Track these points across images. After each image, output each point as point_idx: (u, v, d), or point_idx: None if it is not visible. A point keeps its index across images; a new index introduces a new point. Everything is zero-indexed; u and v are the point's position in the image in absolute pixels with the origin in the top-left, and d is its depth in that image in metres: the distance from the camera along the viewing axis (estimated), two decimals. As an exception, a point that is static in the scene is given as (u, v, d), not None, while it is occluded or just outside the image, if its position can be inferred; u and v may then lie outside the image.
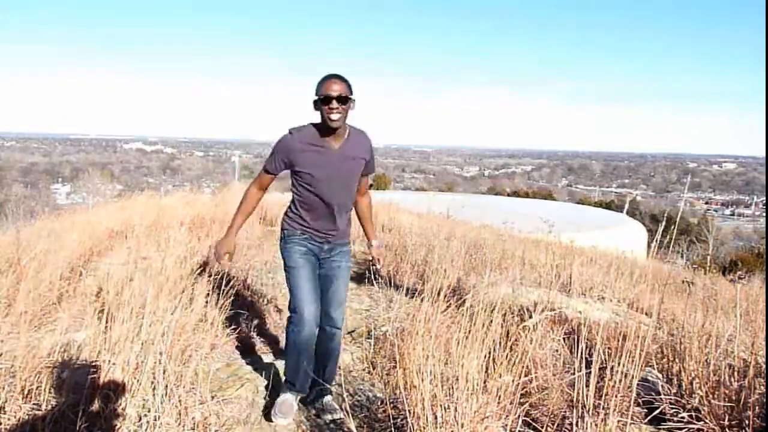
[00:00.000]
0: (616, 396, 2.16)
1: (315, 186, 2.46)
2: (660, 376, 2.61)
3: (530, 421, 2.33)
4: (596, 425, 2.10)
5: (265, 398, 2.77)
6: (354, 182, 2.55)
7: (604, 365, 2.37)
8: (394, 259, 5.50)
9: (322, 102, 2.31)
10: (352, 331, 3.72)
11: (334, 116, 2.31)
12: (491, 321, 2.52)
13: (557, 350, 2.96)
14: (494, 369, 2.32)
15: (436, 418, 2.07)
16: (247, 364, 3.20)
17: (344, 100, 2.32)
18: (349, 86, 2.35)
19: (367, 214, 2.79)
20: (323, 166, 2.42)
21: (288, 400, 2.54)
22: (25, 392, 2.33)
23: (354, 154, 2.48)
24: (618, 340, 2.69)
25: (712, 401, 2.24)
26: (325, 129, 2.38)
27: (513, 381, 2.24)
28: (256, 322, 3.74)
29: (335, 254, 2.61)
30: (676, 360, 2.59)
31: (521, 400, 2.28)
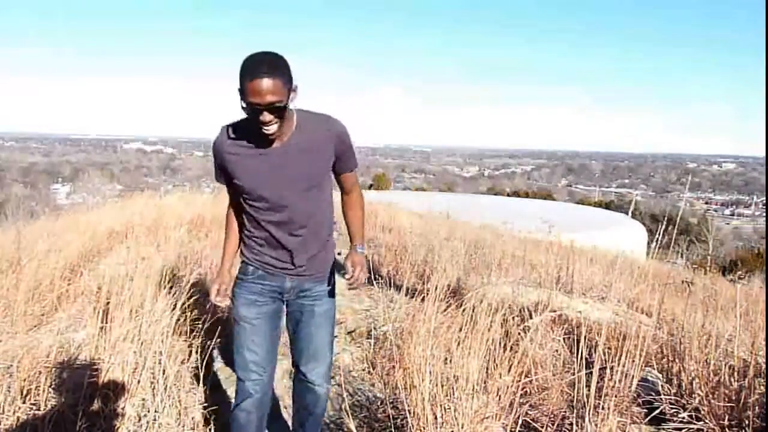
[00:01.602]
0: (616, 396, 2.16)
1: (255, 202, 1.82)
2: (660, 376, 2.61)
3: (530, 421, 2.33)
4: (596, 425, 2.10)
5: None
6: (319, 187, 1.85)
7: (604, 365, 2.37)
8: (394, 259, 5.50)
9: (248, 112, 1.65)
10: (352, 331, 3.72)
11: (270, 128, 1.67)
12: (491, 321, 2.52)
13: (557, 350, 2.96)
14: (494, 369, 2.32)
15: (436, 418, 2.07)
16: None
17: (280, 108, 1.63)
18: (284, 76, 1.62)
19: (353, 214, 2.03)
20: (261, 173, 1.77)
21: None
22: (25, 392, 2.33)
23: (308, 145, 1.78)
24: (618, 340, 2.69)
25: (712, 401, 2.24)
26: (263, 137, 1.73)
27: (513, 381, 2.24)
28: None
29: (308, 293, 1.95)
30: (676, 360, 2.59)
31: (521, 400, 2.28)
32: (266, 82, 1.58)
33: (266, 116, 1.63)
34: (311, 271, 1.94)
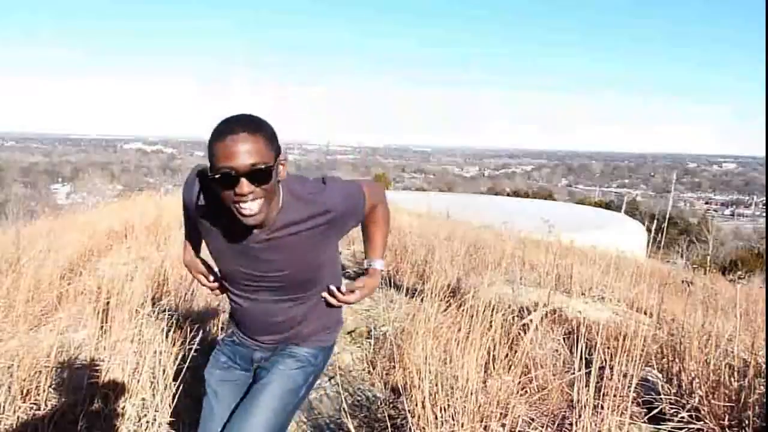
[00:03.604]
0: (615, 396, 2.16)
1: (225, 279, 1.52)
2: (660, 375, 2.61)
3: (530, 421, 2.33)
4: (596, 425, 2.10)
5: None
6: (314, 275, 1.48)
7: (604, 365, 2.37)
8: (394, 259, 5.50)
9: (221, 183, 1.23)
10: (352, 331, 3.72)
11: (249, 207, 1.25)
12: (491, 321, 2.52)
13: (557, 350, 2.96)
14: (494, 369, 2.32)
15: (436, 418, 2.07)
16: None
17: (263, 174, 1.23)
18: (268, 137, 1.26)
19: (374, 229, 1.64)
20: (238, 255, 1.41)
21: None
22: (25, 392, 2.33)
23: (296, 229, 1.37)
24: (618, 340, 2.69)
25: (712, 401, 2.24)
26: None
27: (513, 381, 2.24)
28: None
29: (282, 353, 1.56)
30: (676, 360, 2.59)
31: (521, 400, 2.28)
32: (243, 138, 1.20)
33: (244, 186, 1.21)
34: (287, 341, 1.56)
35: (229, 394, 1.56)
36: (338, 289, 1.54)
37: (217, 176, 1.22)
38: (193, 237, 1.61)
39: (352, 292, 1.56)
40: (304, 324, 1.54)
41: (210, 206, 1.38)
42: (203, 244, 1.58)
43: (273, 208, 1.33)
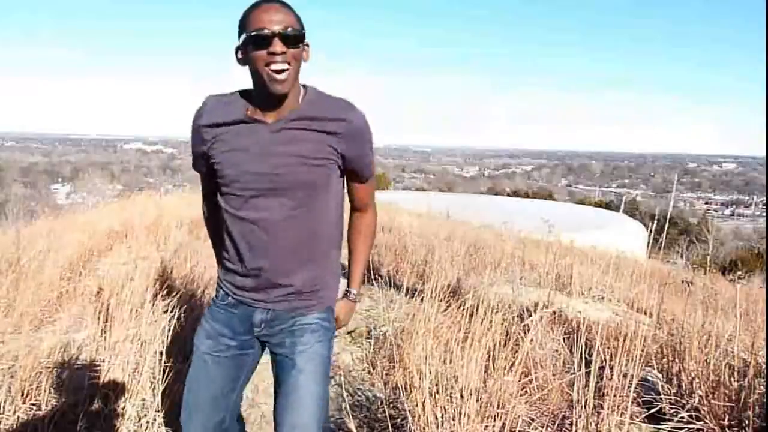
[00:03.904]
0: (615, 396, 2.16)
1: (238, 194, 1.40)
2: (660, 376, 2.61)
3: (530, 421, 2.33)
4: (596, 425, 2.10)
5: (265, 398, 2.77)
6: (315, 186, 1.41)
7: (604, 365, 2.38)
8: (394, 259, 5.51)
9: (254, 44, 1.29)
10: (352, 331, 3.72)
11: (280, 70, 1.30)
12: (491, 321, 2.52)
13: (557, 350, 2.96)
14: (494, 369, 2.32)
15: (436, 418, 2.07)
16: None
17: (294, 38, 1.31)
18: (297, 17, 1.34)
19: (357, 243, 1.59)
20: (251, 152, 1.37)
21: None
22: (25, 392, 2.33)
23: (315, 128, 1.37)
24: (618, 340, 2.69)
25: (712, 401, 2.24)
26: (261, 98, 1.37)
27: (513, 381, 2.25)
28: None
29: (288, 328, 1.47)
30: (676, 360, 2.59)
31: (521, 400, 2.28)
32: (277, 6, 1.31)
33: (277, 45, 1.28)
34: (294, 301, 1.47)
35: (218, 366, 1.48)
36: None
37: (252, 34, 1.29)
38: (210, 198, 1.54)
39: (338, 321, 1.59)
40: (312, 253, 1.45)
41: (228, 108, 1.40)
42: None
43: (293, 96, 1.36)
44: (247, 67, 1.36)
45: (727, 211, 76.68)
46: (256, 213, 1.40)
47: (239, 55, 1.36)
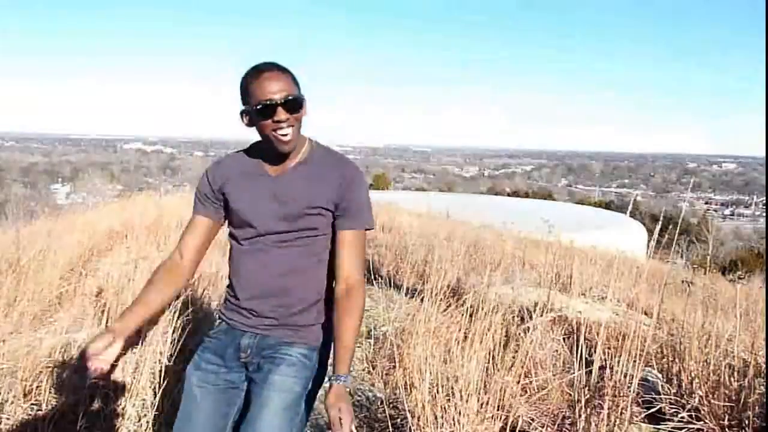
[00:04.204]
0: (616, 396, 2.16)
1: (242, 226, 1.54)
2: (660, 376, 2.61)
3: (530, 421, 2.33)
4: (596, 425, 2.10)
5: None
6: (319, 223, 1.51)
7: (604, 365, 2.38)
8: (394, 259, 5.51)
9: (259, 114, 1.43)
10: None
11: (285, 134, 1.45)
12: (491, 321, 2.52)
13: (557, 350, 2.96)
14: (494, 369, 2.32)
15: (436, 418, 2.07)
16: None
17: (295, 104, 1.45)
18: (294, 79, 1.48)
19: (344, 322, 1.46)
20: (252, 194, 1.52)
21: None
22: (26, 392, 2.34)
23: (315, 176, 1.51)
24: (618, 340, 2.69)
25: (712, 401, 2.24)
26: (269, 153, 1.52)
27: (513, 381, 2.25)
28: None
29: (273, 357, 1.49)
30: (676, 360, 2.59)
31: (521, 400, 2.28)
32: (277, 74, 1.44)
33: (281, 113, 1.42)
34: (278, 329, 1.51)
35: (206, 396, 1.51)
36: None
37: (258, 107, 1.42)
38: (201, 208, 1.58)
39: (340, 420, 1.33)
40: (300, 291, 1.52)
41: (233, 164, 1.57)
42: (209, 235, 1.60)
43: (295, 151, 1.52)
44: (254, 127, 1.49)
45: (727, 211, 76.70)
46: (256, 246, 1.52)
47: (245, 120, 1.49)
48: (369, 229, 1.56)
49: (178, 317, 2.78)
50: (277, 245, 1.50)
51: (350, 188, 1.52)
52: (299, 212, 1.49)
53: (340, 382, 1.38)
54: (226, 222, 1.60)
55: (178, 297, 2.61)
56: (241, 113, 1.49)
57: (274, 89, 1.42)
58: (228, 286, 1.60)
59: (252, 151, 1.58)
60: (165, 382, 2.32)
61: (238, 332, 1.54)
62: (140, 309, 1.53)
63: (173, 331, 2.55)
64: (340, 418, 1.32)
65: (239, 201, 1.53)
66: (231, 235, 1.58)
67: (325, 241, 1.54)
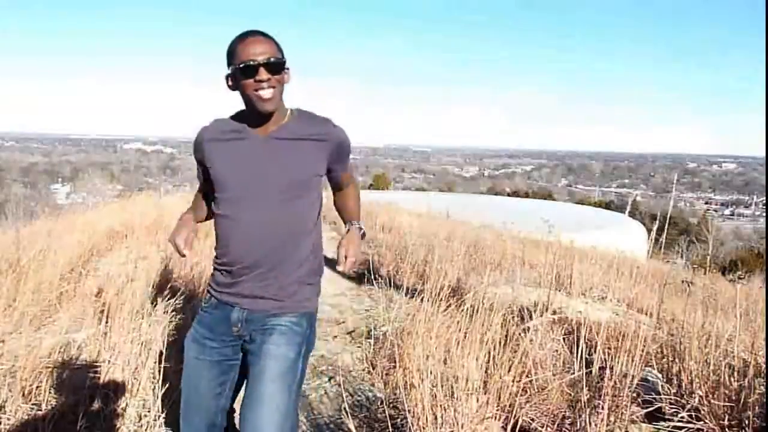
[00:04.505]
0: (616, 396, 2.16)
1: (228, 196, 1.57)
2: (660, 376, 2.61)
3: (530, 421, 2.33)
4: (596, 425, 2.10)
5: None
6: (301, 194, 1.58)
7: (604, 365, 2.38)
8: (394, 259, 5.51)
9: (242, 73, 1.49)
10: (352, 331, 3.72)
11: (266, 93, 1.50)
12: (491, 321, 2.52)
13: (557, 350, 2.96)
14: (494, 369, 2.32)
15: (436, 418, 2.07)
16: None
17: (276, 66, 1.51)
18: (278, 46, 1.55)
19: (345, 202, 1.81)
20: (241, 160, 1.56)
21: None
22: (26, 392, 2.34)
23: (300, 141, 1.57)
24: (618, 340, 2.69)
25: (712, 401, 2.24)
26: (252, 117, 1.57)
27: (513, 381, 2.24)
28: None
29: (264, 328, 1.57)
30: (676, 360, 2.59)
31: (521, 400, 2.28)
32: (260, 38, 1.51)
33: (263, 73, 1.48)
34: (268, 302, 1.58)
35: (204, 368, 1.60)
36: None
37: (240, 66, 1.49)
38: (201, 191, 1.73)
39: (345, 259, 1.59)
40: (289, 254, 1.58)
41: (222, 126, 1.61)
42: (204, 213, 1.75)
43: (279, 114, 1.57)
44: (237, 91, 1.55)
45: (727, 211, 76.68)
46: (242, 213, 1.56)
47: (229, 83, 1.56)
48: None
49: (178, 317, 2.78)
50: (261, 212, 1.55)
51: (340, 152, 1.64)
52: (286, 180, 1.55)
53: (354, 225, 1.70)
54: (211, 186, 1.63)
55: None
56: (227, 76, 1.55)
57: (257, 51, 1.49)
58: (215, 258, 1.64)
59: (237, 116, 1.62)
60: (165, 382, 2.32)
61: (228, 306, 1.61)
62: (194, 215, 1.69)
63: (173, 332, 2.55)
64: (346, 257, 1.57)
65: (220, 164, 1.58)
66: (216, 203, 1.61)
67: (311, 207, 1.62)
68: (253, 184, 1.55)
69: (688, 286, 5.25)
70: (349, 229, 1.70)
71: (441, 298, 3.02)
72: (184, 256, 1.59)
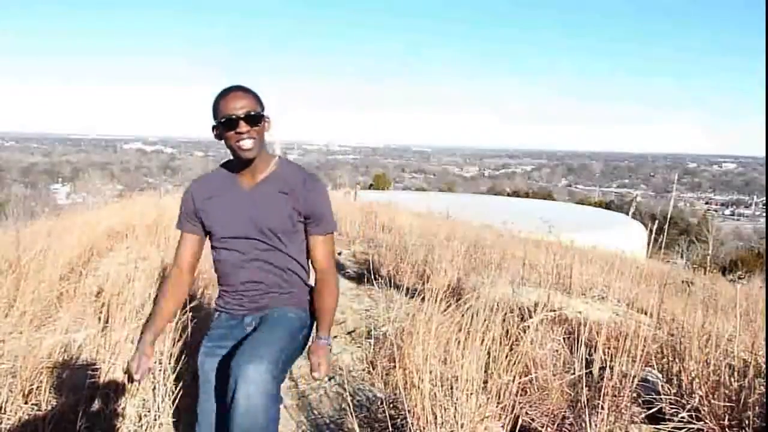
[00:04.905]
0: (616, 396, 2.16)
1: (220, 237, 1.78)
2: (660, 376, 2.61)
3: (530, 421, 2.33)
4: (596, 425, 2.10)
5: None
6: (285, 235, 1.75)
7: (604, 365, 2.38)
8: (394, 259, 5.50)
9: (224, 126, 1.67)
10: (352, 331, 3.72)
11: (246, 143, 1.67)
12: (491, 321, 2.52)
13: (557, 350, 2.96)
14: (494, 369, 2.32)
15: (436, 418, 2.07)
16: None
17: (255, 119, 1.67)
18: (257, 99, 1.72)
19: (321, 301, 1.80)
20: (229, 210, 1.76)
21: None
22: (26, 392, 2.34)
23: (282, 189, 1.74)
24: (618, 340, 2.69)
25: (712, 401, 2.24)
26: (238, 165, 1.76)
27: (513, 381, 2.24)
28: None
29: (267, 316, 1.78)
30: (676, 360, 2.59)
31: (521, 400, 2.28)
32: (240, 94, 1.69)
33: (242, 126, 1.66)
34: (270, 300, 1.79)
35: (223, 381, 1.66)
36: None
37: (222, 120, 1.67)
38: (183, 226, 1.84)
39: (319, 366, 1.73)
40: (280, 296, 1.79)
41: (213, 182, 1.81)
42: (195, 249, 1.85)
43: (263, 164, 1.76)
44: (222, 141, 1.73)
45: (727, 211, 76.67)
46: (232, 253, 1.77)
47: (215, 133, 1.73)
48: (331, 233, 1.82)
49: (178, 318, 2.78)
50: (255, 249, 1.75)
51: (313, 203, 1.76)
52: (273, 223, 1.74)
53: (322, 341, 1.77)
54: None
55: (184, 306, 2.63)
56: (213, 127, 1.73)
57: (237, 106, 1.66)
58: (219, 280, 1.85)
59: (227, 167, 1.82)
60: (165, 382, 2.32)
61: (238, 316, 1.81)
62: (158, 322, 1.77)
63: (173, 332, 2.55)
64: (319, 364, 1.72)
65: (212, 217, 1.77)
66: (211, 239, 1.81)
67: (297, 251, 1.80)
68: (241, 228, 1.74)
69: (688, 286, 5.25)
70: (318, 344, 1.77)
71: (441, 298, 3.02)
72: (137, 381, 1.72)
